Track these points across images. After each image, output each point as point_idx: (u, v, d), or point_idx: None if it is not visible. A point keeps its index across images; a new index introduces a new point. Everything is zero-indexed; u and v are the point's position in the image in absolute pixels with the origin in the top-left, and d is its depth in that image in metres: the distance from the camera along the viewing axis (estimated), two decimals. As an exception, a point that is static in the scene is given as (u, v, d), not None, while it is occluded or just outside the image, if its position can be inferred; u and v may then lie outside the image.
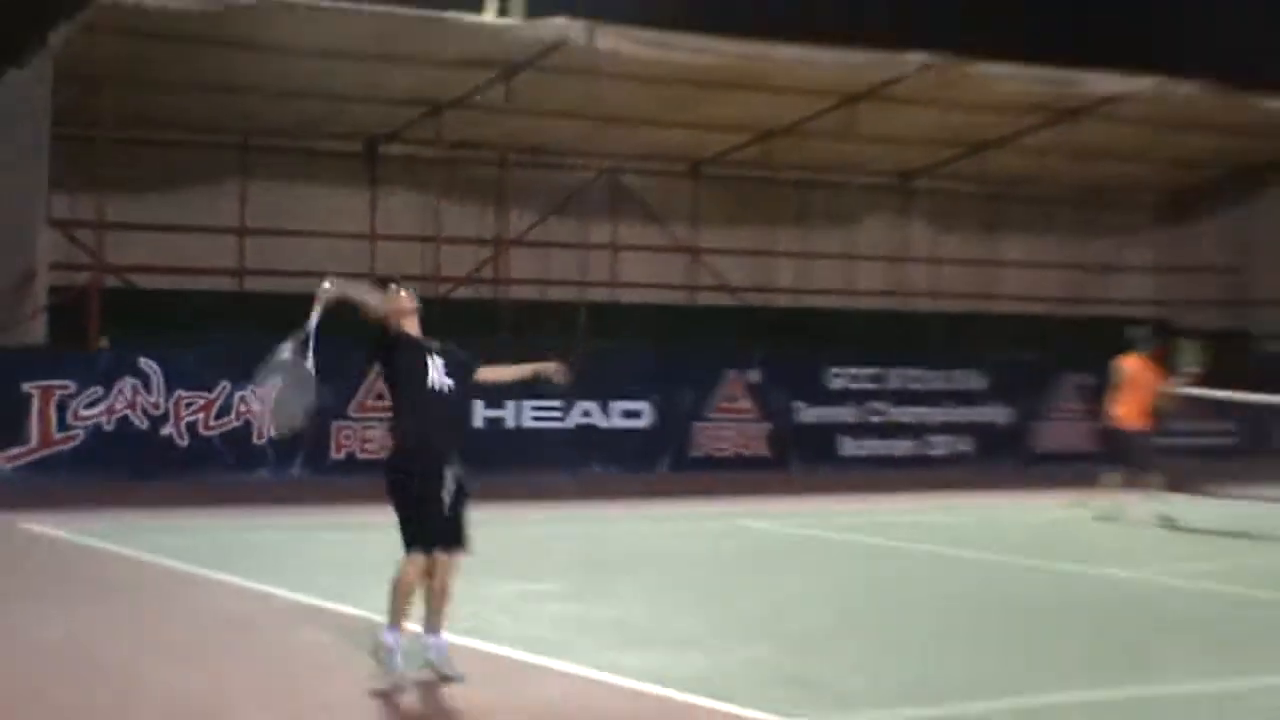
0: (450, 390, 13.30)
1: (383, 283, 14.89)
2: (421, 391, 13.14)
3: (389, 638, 12.74)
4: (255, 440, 29.56)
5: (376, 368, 14.33)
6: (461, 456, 13.18)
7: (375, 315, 13.10)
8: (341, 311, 13.13)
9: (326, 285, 13.28)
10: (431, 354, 13.31)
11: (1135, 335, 28.55)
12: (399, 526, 12.99)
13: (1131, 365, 27.02)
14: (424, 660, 12.92)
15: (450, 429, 13.53)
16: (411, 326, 13.32)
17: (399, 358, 13.31)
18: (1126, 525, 25.80)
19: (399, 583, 12.87)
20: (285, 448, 29.13)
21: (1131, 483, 26.33)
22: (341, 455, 31.46)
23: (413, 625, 13.15)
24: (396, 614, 12.84)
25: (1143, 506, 26.09)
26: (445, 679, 12.81)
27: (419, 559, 12.77)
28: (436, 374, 13.10)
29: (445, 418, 13.45)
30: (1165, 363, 27.71)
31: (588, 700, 12.61)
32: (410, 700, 12.58)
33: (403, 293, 13.43)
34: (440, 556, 12.86)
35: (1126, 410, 26.72)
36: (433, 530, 12.86)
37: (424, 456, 13.13)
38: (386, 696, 12.53)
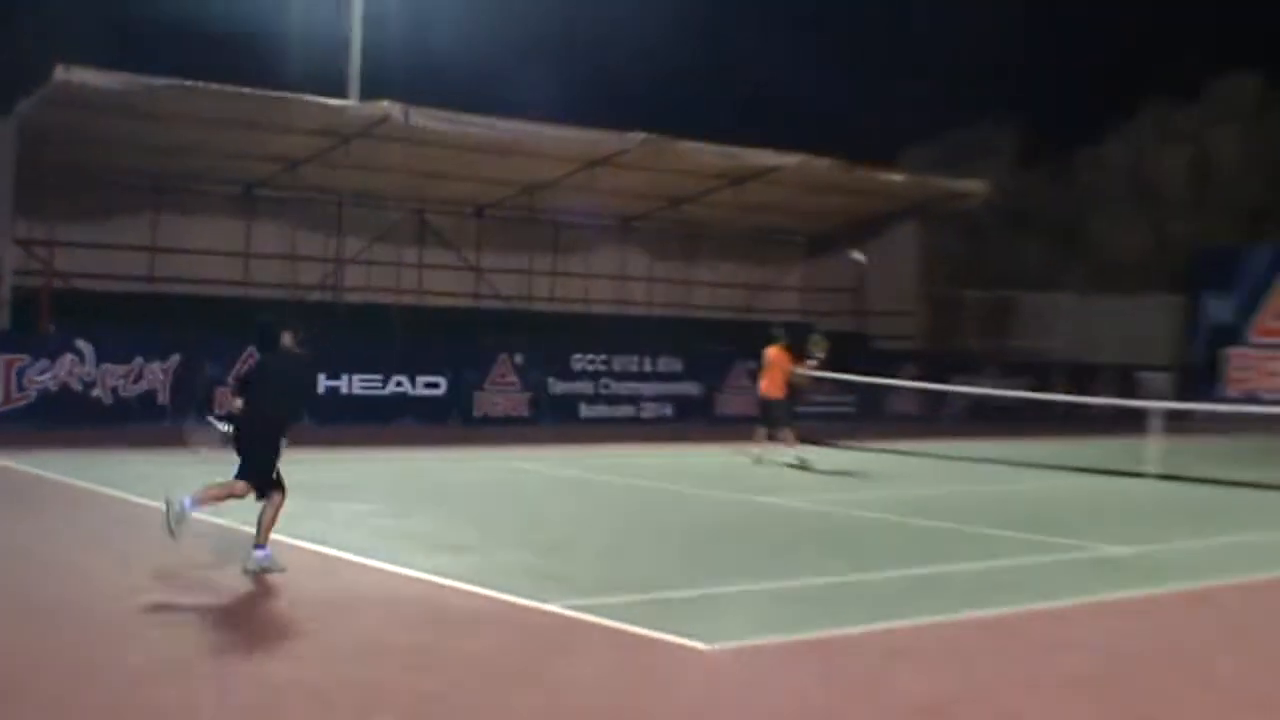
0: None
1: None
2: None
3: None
4: (159, 402, 29.62)
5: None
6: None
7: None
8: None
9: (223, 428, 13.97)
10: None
11: (775, 332, 29.36)
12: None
13: (773, 353, 28.13)
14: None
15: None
16: None
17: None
18: (771, 466, 26.32)
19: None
20: (181, 416, 28.70)
21: (773, 437, 27.40)
22: (224, 412, 30.96)
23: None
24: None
25: (782, 454, 26.90)
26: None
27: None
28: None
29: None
30: (797, 352, 28.55)
31: (393, 587, 13.13)
32: (250, 585, 13.09)
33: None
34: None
35: (769, 385, 27.90)
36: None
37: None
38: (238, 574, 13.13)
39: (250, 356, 16.89)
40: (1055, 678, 10.54)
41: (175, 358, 30.71)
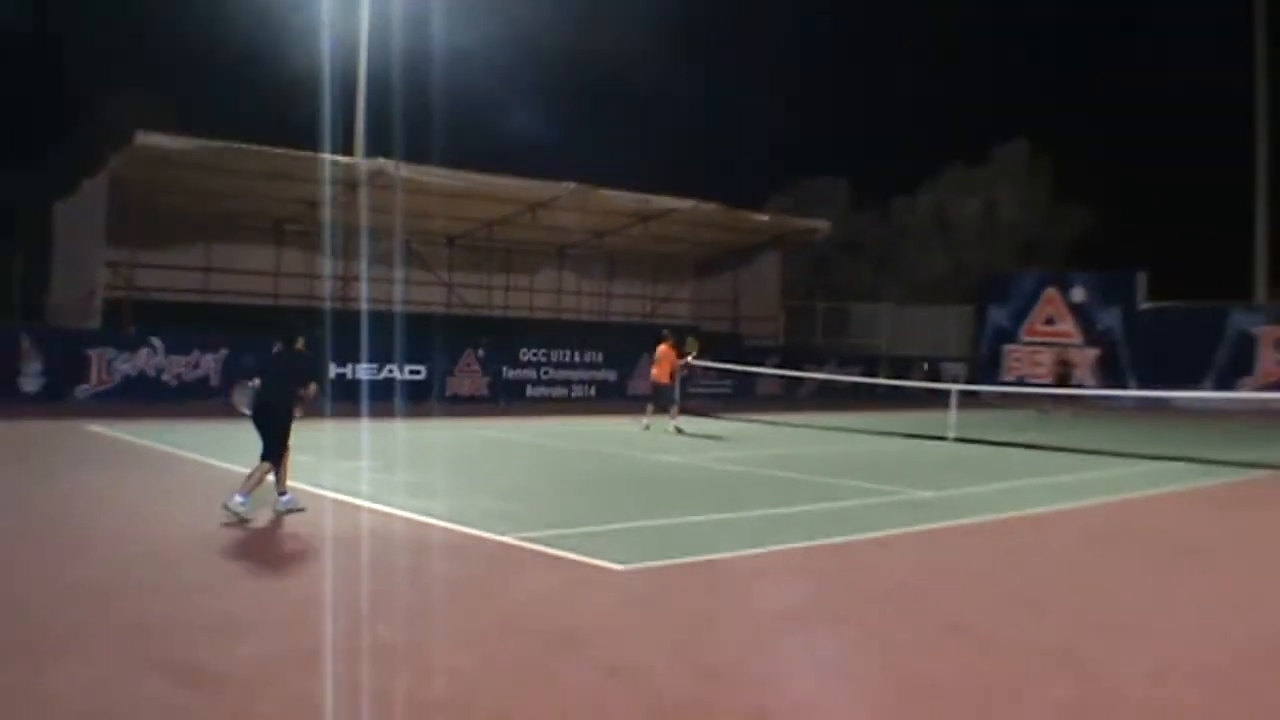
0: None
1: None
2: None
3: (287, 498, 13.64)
4: (211, 384, 29.39)
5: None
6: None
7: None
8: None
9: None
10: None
11: (664, 333, 29.70)
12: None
13: (662, 349, 28.23)
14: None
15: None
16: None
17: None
18: (658, 433, 26.23)
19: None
20: (227, 392, 28.49)
21: (660, 410, 27.57)
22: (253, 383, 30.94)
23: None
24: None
25: (666, 424, 26.90)
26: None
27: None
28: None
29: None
30: (678, 347, 28.71)
31: (387, 524, 13.03)
32: (280, 523, 13.09)
33: None
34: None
35: (658, 372, 28.01)
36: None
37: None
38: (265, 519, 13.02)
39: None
40: (879, 588, 10.63)
41: (223, 351, 30.50)
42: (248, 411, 13.77)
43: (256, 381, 13.92)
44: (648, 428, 27.22)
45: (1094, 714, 7.01)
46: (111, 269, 33.55)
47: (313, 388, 14.15)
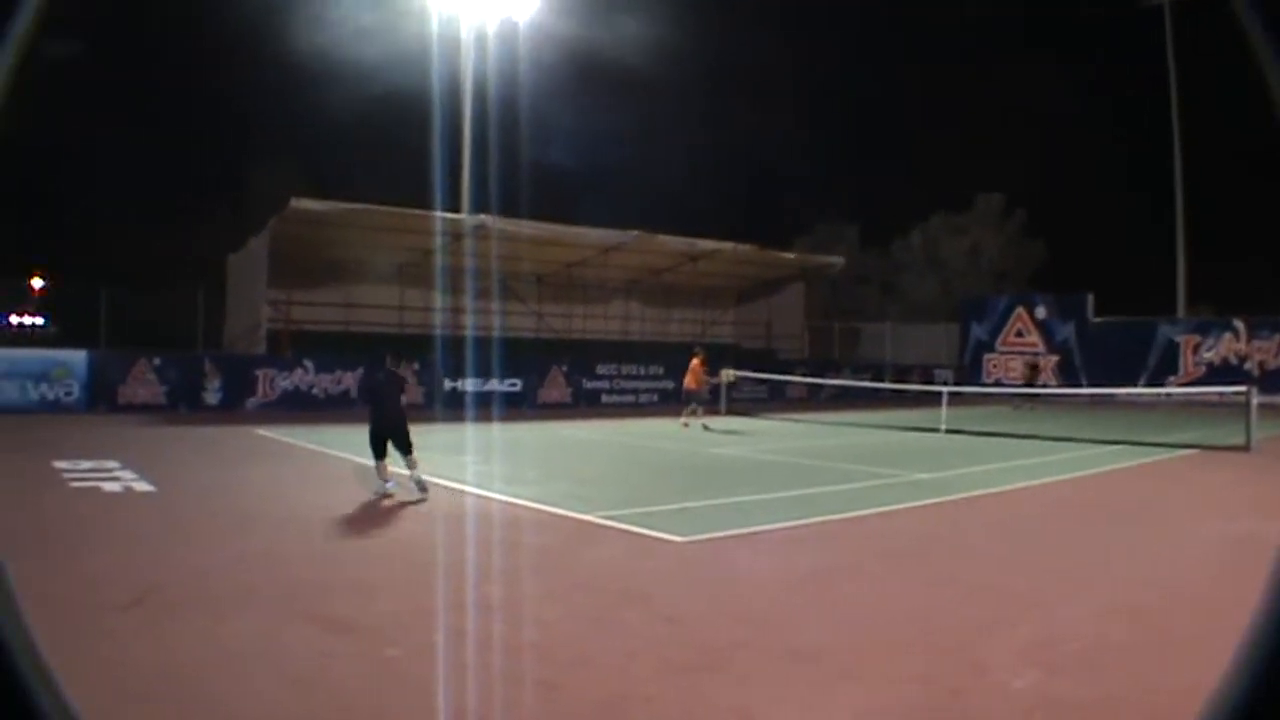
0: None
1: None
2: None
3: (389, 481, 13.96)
4: (350, 397, 29.48)
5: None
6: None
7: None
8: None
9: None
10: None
11: (695, 349, 29.80)
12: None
13: (694, 363, 28.19)
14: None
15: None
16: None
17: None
18: (696, 430, 25.97)
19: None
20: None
21: (693, 413, 27.30)
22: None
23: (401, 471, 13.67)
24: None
25: (697, 422, 26.87)
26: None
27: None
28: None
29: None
30: (707, 362, 28.81)
31: (489, 506, 13.05)
32: (406, 502, 13.16)
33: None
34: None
35: (689, 381, 27.94)
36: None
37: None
38: (394, 501, 13.09)
39: (370, 373, 17.34)
40: (887, 551, 10.60)
41: (359, 369, 30.65)
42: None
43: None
44: (686, 425, 26.87)
45: (1050, 647, 7.04)
46: (272, 306, 33.88)
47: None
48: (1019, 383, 40.35)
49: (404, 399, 14.43)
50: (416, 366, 32.38)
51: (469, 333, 35.40)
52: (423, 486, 13.69)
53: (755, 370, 36.69)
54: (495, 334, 36.09)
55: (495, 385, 33.99)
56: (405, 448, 13.96)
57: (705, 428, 26.65)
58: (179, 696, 5.76)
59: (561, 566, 9.58)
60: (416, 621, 7.36)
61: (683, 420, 27.44)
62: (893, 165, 76.35)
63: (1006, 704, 5.96)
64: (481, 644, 6.74)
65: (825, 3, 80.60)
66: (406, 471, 13.90)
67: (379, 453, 14.00)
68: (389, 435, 14.04)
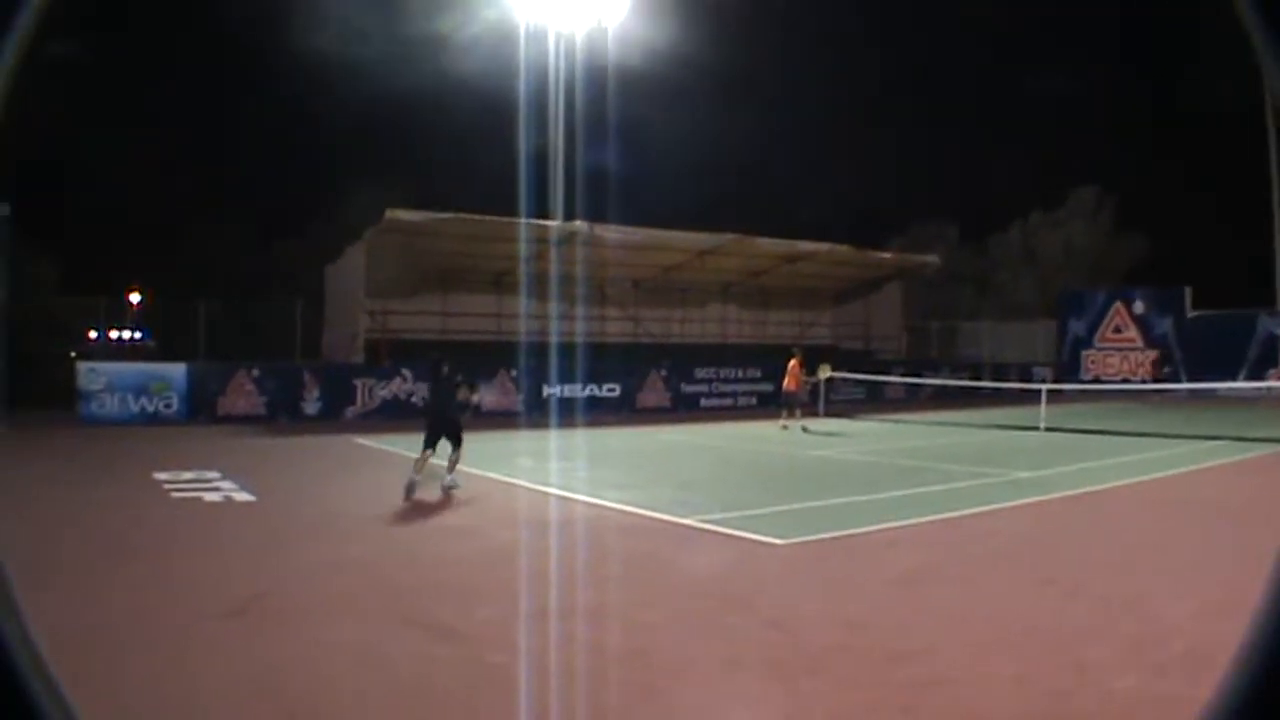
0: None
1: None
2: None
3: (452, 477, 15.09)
4: (480, 407, 29.71)
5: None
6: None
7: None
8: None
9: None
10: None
11: (794, 350, 29.88)
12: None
13: (792, 364, 28.36)
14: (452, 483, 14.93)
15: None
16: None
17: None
18: (797, 431, 26.05)
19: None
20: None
21: (792, 414, 27.42)
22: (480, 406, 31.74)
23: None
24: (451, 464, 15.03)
25: (796, 423, 26.98)
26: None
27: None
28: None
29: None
30: (805, 363, 29.05)
31: (593, 512, 13.11)
32: (506, 509, 13.26)
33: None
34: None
35: (789, 382, 28.13)
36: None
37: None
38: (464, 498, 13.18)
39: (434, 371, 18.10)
40: (988, 552, 10.54)
41: (478, 389, 30.99)
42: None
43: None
44: (785, 428, 26.88)
45: (1154, 646, 6.96)
46: (370, 316, 34.18)
47: (463, 392, 16.07)
48: (1144, 378, 39.31)
49: (461, 399, 15.89)
50: (514, 373, 32.69)
51: (566, 339, 35.56)
52: (452, 485, 14.99)
53: (853, 371, 36.50)
54: (591, 339, 36.22)
55: (593, 390, 34.18)
56: (456, 442, 15.24)
57: (804, 429, 26.58)
58: (282, 703, 5.90)
59: (663, 571, 9.64)
60: (518, 627, 7.44)
61: (782, 423, 27.38)
62: (995, 162, 75.69)
63: (1108, 705, 5.91)
64: (583, 649, 6.81)
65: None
66: (440, 460, 15.17)
67: (429, 443, 15.10)
68: (439, 429, 15.22)
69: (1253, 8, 1.46)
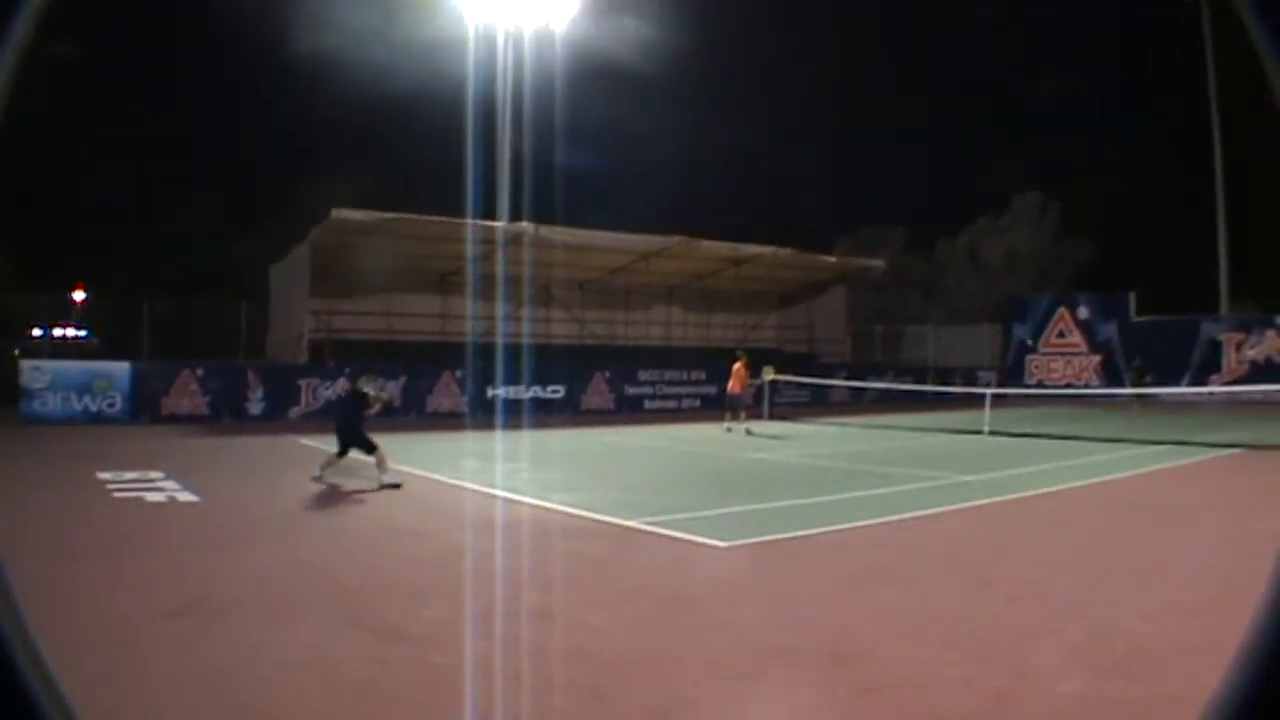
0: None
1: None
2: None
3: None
4: (394, 405, 29.39)
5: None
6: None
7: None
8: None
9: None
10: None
11: (738, 353, 29.71)
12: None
13: (735, 366, 28.43)
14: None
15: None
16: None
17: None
18: (743, 434, 26.17)
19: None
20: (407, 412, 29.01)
21: (736, 417, 27.52)
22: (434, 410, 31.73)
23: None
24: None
25: (740, 426, 27.18)
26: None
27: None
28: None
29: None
30: (750, 366, 29.12)
31: (537, 514, 13.07)
32: (452, 512, 13.28)
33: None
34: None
35: (733, 385, 28.19)
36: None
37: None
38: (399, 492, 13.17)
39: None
40: (933, 555, 10.62)
41: (403, 378, 30.99)
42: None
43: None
44: (729, 430, 27.02)
45: (1099, 650, 7.03)
46: (314, 316, 34.01)
47: (372, 400, 16.67)
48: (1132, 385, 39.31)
49: (366, 413, 16.37)
50: (459, 374, 32.61)
51: (511, 340, 35.53)
52: (392, 485, 15.31)
53: (797, 374, 36.54)
54: (536, 341, 36.18)
55: (538, 392, 34.14)
56: (367, 450, 15.66)
57: (748, 432, 26.71)
58: (227, 704, 5.87)
59: (608, 572, 9.65)
60: (465, 628, 7.42)
61: (726, 425, 27.49)
62: (936, 166, 76.32)
63: (1052, 707, 5.97)
64: (530, 651, 6.81)
65: (862, 5, 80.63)
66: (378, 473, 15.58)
67: (341, 451, 15.85)
68: (345, 442, 15.80)
69: (1253, 9, 1.47)
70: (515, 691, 6.04)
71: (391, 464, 16.03)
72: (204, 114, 64.83)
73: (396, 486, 15.29)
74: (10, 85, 1.57)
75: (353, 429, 15.84)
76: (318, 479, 15.45)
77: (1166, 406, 38.58)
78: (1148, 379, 36.43)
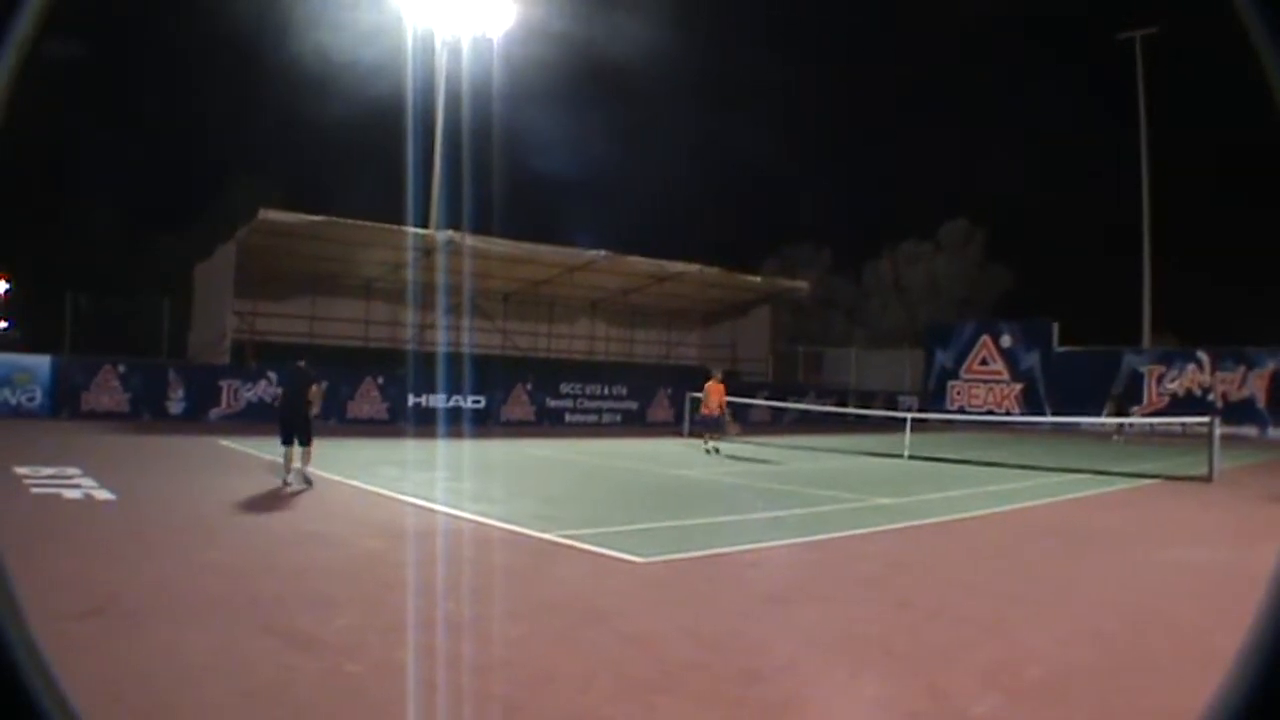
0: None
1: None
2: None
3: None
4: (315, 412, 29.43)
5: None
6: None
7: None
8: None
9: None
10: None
11: (710, 372, 29.13)
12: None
13: (709, 385, 27.24)
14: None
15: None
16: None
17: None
18: (699, 452, 25.94)
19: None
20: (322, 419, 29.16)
21: (716, 436, 26.70)
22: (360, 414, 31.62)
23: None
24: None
25: (720, 444, 26.59)
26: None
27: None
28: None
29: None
30: (724, 384, 28.08)
31: (454, 524, 13.05)
32: (368, 520, 13.20)
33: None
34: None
35: (709, 405, 26.83)
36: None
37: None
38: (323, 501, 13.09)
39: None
40: (849, 575, 10.68)
41: (325, 383, 30.59)
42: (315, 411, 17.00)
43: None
44: (717, 451, 25.85)
45: (1011, 671, 7.10)
46: (238, 316, 33.77)
47: (314, 390, 16.84)
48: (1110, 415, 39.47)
49: (313, 394, 16.68)
50: (380, 381, 32.44)
51: (432, 348, 35.45)
52: (307, 480, 15.86)
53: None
54: (459, 350, 36.08)
55: (459, 401, 34.02)
56: (304, 440, 15.97)
57: (716, 450, 25.87)
58: (135, 707, 5.75)
59: (524, 585, 9.58)
60: (378, 638, 7.39)
61: (706, 445, 26.32)
62: (871, 189, 77.17)
63: (963, 729, 6.02)
64: (443, 661, 6.77)
65: (801, 22, 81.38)
66: (297, 463, 15.90)
67: (285, 439, 16.07)
68: (290, 426, 16.09)
69: (1253, 9, 1.47)
70: (428, 702, 6.00)
71: (309, 469, 15.95)
72: (137, 108, 64.00)
73: (309, 485, 15.61)
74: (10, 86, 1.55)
75: (300, 415, 16.18)
76: (287, 484, 15.69)
77: (1086, 436, 39.21)
78: (1131, 409, 36.76)
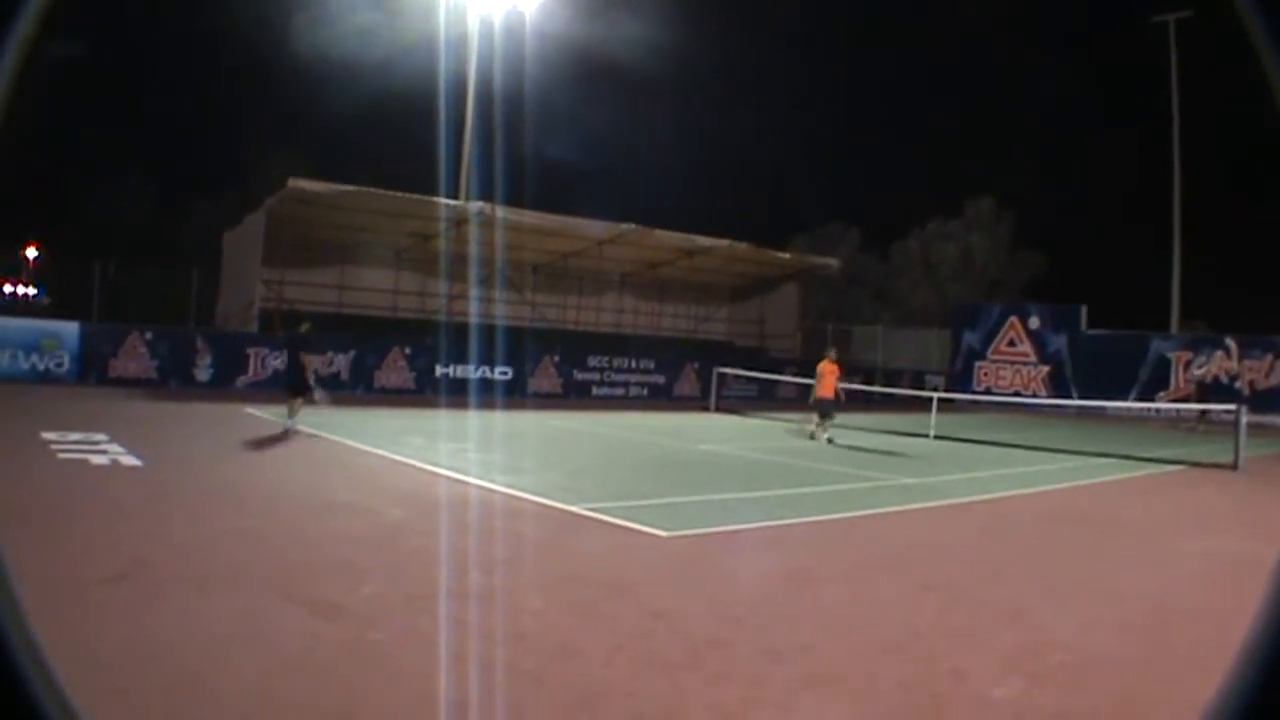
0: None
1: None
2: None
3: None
4: (342, 378, 29.40)
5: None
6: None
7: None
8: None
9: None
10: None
11: (827, 352, 26.89)
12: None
13: (824, 365, 24.94)
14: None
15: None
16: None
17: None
18: (729, 427, 25.91)
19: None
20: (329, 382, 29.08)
21: (823, 423, 24.41)
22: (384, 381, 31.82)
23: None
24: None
25: (827, 433, 24.39)
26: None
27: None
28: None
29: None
30: (842, 366, 26.25)
31: (482, 495, 13.04)
32: (396, 489, 13.23)
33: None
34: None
35: (824, 388, 24.65)
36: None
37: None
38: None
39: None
40: (871, 554, 10.68)
41: (352, 352, 30.78)
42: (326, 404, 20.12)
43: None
44: (814, 438, 24.24)
45: (1032, 657, 7.09)
46: (266, 285, 33.77)
47: (305, 357, 19.58)
48: (1191, 402, 38.56)
49: (306, 360, 19.53)
50: (408, 350, 32.47)
51: (463, 319, 35.44)
52: (288, 431, 18.27)
53: (747, 368, 36.93)
54: (487, 321, 36.05)
55: (486, 372, 34.00)
56: (293, 391, 19.22)
57: (830, 441, 23.73)
58: (160, 673, 5.78)
59: (549, 557, 9.60)
60: (403, 607, 7.41)
61: (810, 432, 24.93)
62: (900, 169, 76.78)
63: (986, 712, 5.99)
64: (467, 631, 6.78)
65: (829, 7, 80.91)
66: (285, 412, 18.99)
67: (289, 393, 19.50)
68: (288, 380, 19.75)
69: (1253, 9, 1.45)
70: (452, 672, 6.00)
71: (336, 437, 15.97)
72: (169, 79, 64.19)
73: (286, 435, 18.09)
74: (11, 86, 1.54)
75: (300, 370, 19.20)
76: (291, 428, 18.40)
77: (1112, 420, 39.04)
78: (1211, 396, 36.04)
